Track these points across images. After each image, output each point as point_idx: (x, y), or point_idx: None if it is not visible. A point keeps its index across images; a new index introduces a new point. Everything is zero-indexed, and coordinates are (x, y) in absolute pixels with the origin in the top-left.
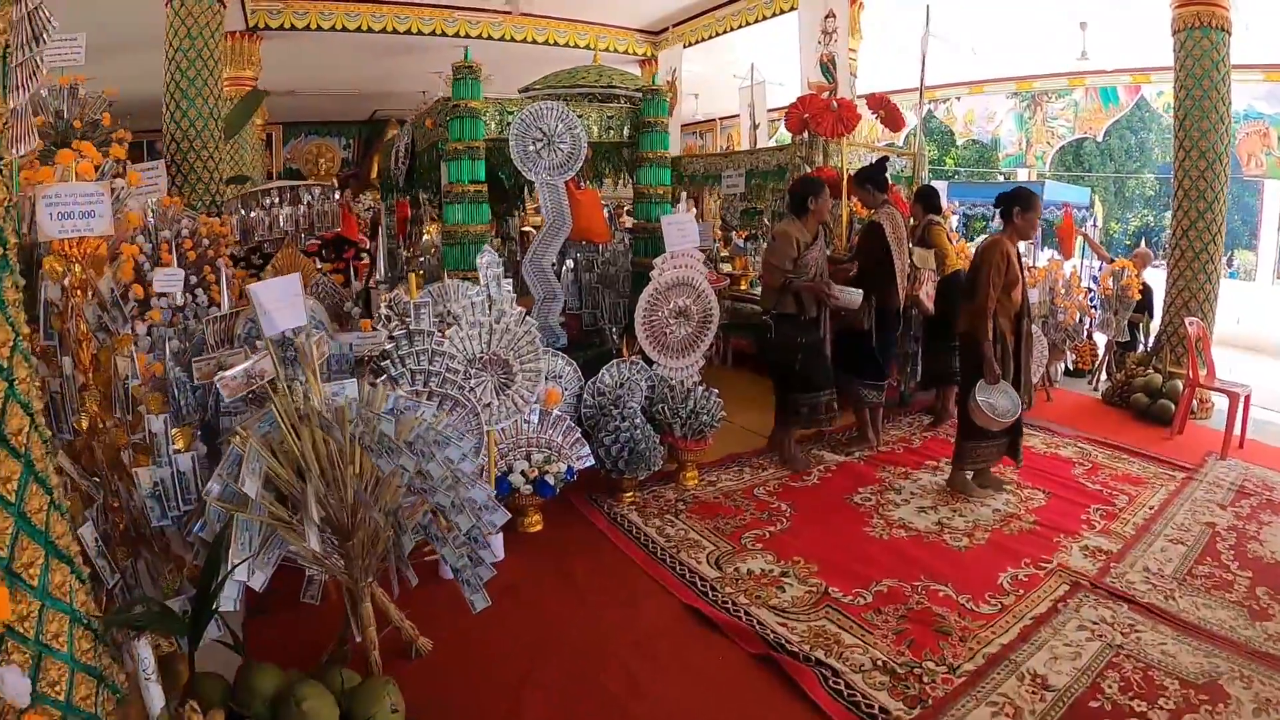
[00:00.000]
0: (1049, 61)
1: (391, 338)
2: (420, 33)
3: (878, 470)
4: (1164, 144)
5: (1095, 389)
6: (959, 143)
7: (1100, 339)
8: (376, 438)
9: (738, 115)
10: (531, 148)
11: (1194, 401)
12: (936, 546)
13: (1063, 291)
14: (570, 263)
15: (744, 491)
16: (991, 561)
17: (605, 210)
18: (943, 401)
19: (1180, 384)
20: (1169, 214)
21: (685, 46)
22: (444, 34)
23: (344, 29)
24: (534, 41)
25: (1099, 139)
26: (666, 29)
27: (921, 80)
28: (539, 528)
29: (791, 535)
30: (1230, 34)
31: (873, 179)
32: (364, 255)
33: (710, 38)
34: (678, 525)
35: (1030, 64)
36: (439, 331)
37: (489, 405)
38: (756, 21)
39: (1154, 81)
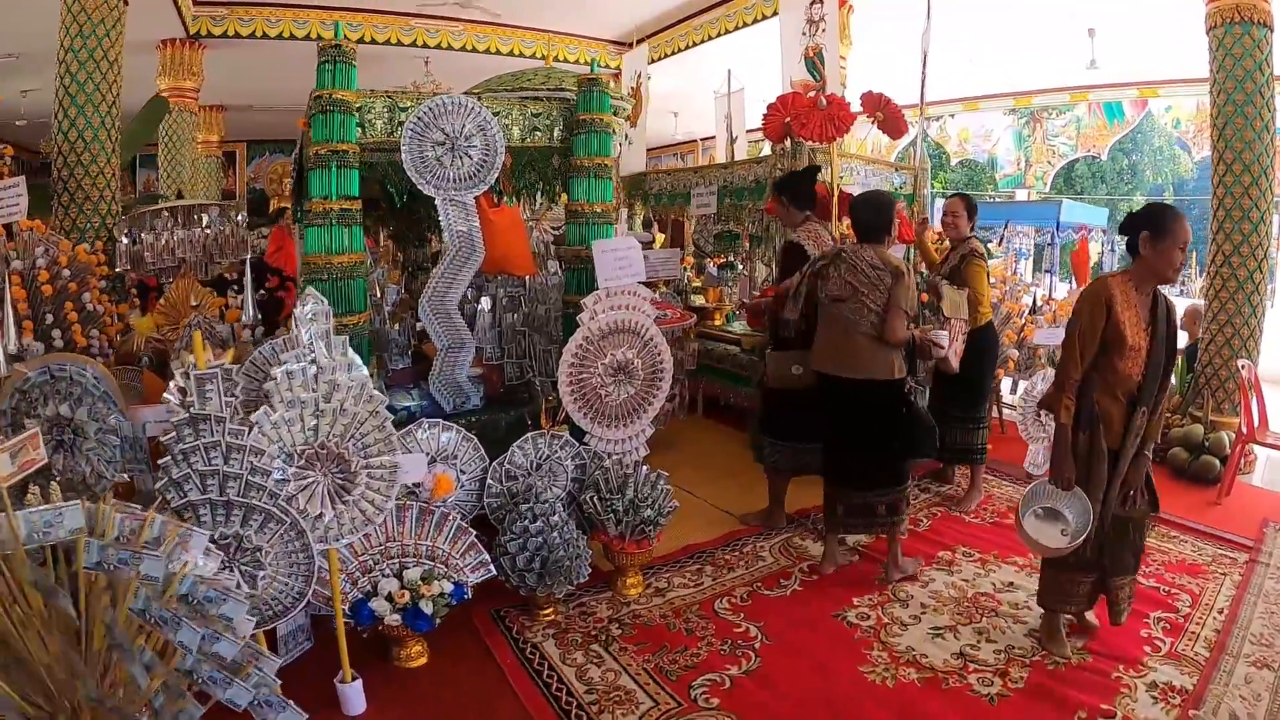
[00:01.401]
0: (1050, 75)
1: (172, 425)
2: (375, 41)
3: (877, 567)
4: (1156, 164)
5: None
6: (951, 163)
7: None
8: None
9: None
10: (431, 154)
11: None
12: (959, 696)
13: None
14: (487, 301)
15: (702, 605)
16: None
17: (532, 234)
18: (970, 480)
19: (1225, 436)
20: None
21: (661, 58)
22: (400, 43)
23: (292, 37)
24: (498, 52)
25: (1103, 157)
26: (643, 39)
27: (923, 83)
28: (421, 661)
29: (760, 682)
30: (1273, 30)
31: (790, 190)
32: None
33: (688, 48)
34: (606, 664)
35: (1030, 78)
36: (248, 414)
37: (320, 518)
38: (737, 29)
39: (1162, 95)
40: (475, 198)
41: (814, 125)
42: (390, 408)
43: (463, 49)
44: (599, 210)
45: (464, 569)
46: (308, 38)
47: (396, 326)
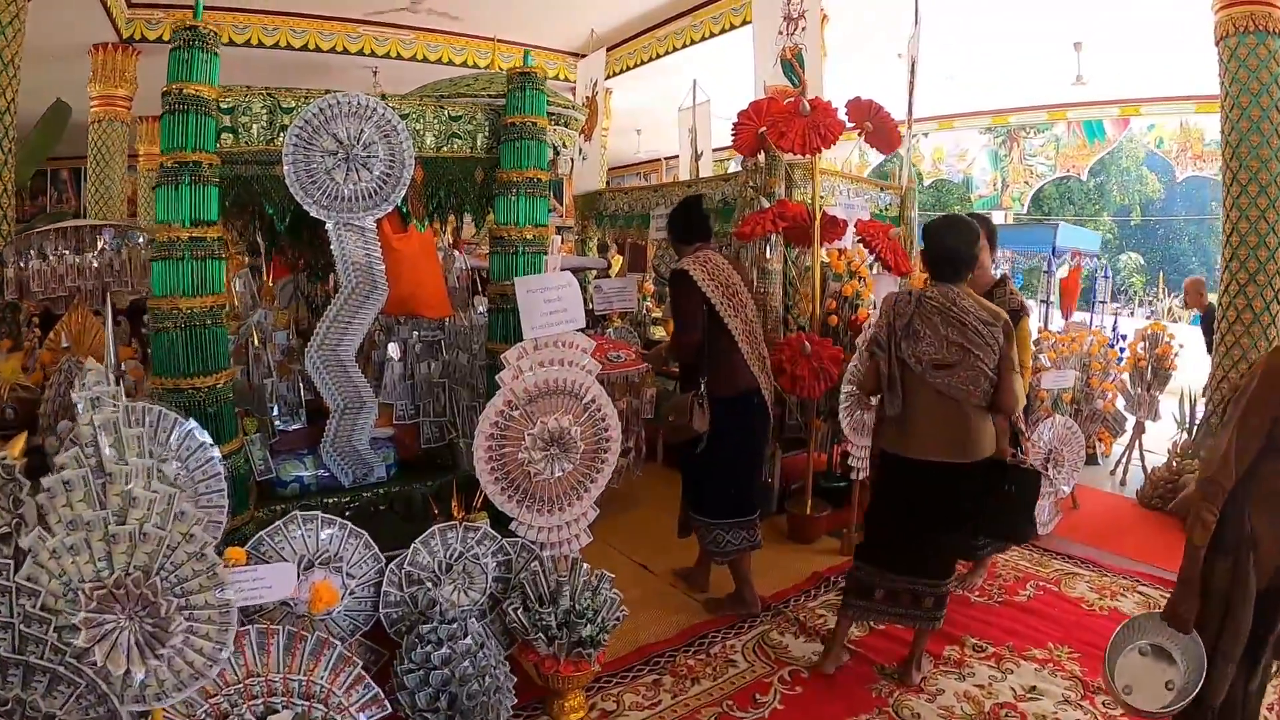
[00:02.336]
0: (1029, 93)
1: None
2: (320, 49)
3: (875, 671)
4: (1123, 185)
5: (1124, 484)
6: (923, 183)
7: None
8: None
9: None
10: (321, 166)
11: None
12: None
13: (1099, 368)
14: (396, 348)
15: None
16: None
17: (454, 265)
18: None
19: None
20: (1124, 256)
21: (623, 71)
22: (346, 51)
23: (231, 43)
24: (450, 62)
25: (1083, 177)
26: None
27: (910, 92)
28: None
29: None
30: None
31: (676, 229)
32: None
33: (651, 59)
34: None
35: (1008, 96)
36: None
37: (128, 676)
38: (704, 39)
39: (1144, 114)
40: (377, 221)
41: (795, 134)
42: (278, 481)
43: (413, 58)
44: (530, 236)
45: (350, 709)
46: (248, 44)
47: (284, 380)
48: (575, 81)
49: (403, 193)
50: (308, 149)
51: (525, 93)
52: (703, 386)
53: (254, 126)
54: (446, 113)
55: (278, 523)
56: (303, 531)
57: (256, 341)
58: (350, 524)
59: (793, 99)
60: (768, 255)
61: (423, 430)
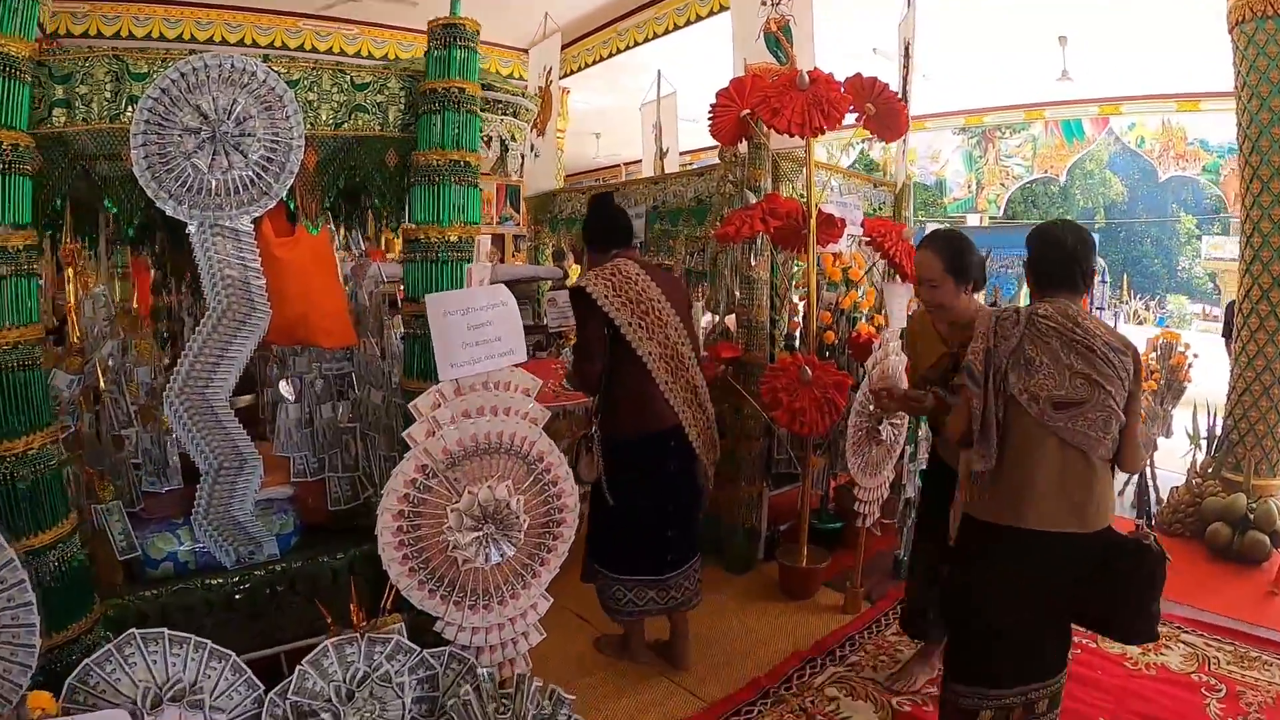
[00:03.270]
0: (1005, 92)
1: None
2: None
3: None
4: (1086, 188)
5: (1134, 506)
6: None
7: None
8: None
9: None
10: (178, 147)
11: None
12: None
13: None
14: (289, 387)
15: None
16: None
17: (368, 274)
18: None
19: (1275, 506)
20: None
21: (581, 69)
22: (255, 44)
23: (163, 37)
24: (371, 56)
25: (1061, 178)
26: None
27: (905, 80)
28: None
29: None
30: None
31: (590, 231)
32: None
33: (612, 55)
34: None
35: (983, 95)
36: None
37: None
38: (667, 32)
39: (1125, 112)
40: (254, 222)
41: (793, 111)
42: (146, 560)
43: (301, 48)
44: (456, 239)
45: None
46: (180, 39)
47: (150, 429)
48: (524, 78)
49: (289, 183)
50: (163, 126)
51: (451, 52)
52: (594, 427)
53: (96, 99)
54: (349, 79)
55: (108, 648)
56: (145, 658)
57: (104, 382)
58: (211, 644)
59: (783, 73)
60: (752, 261)
61: (330, 488)
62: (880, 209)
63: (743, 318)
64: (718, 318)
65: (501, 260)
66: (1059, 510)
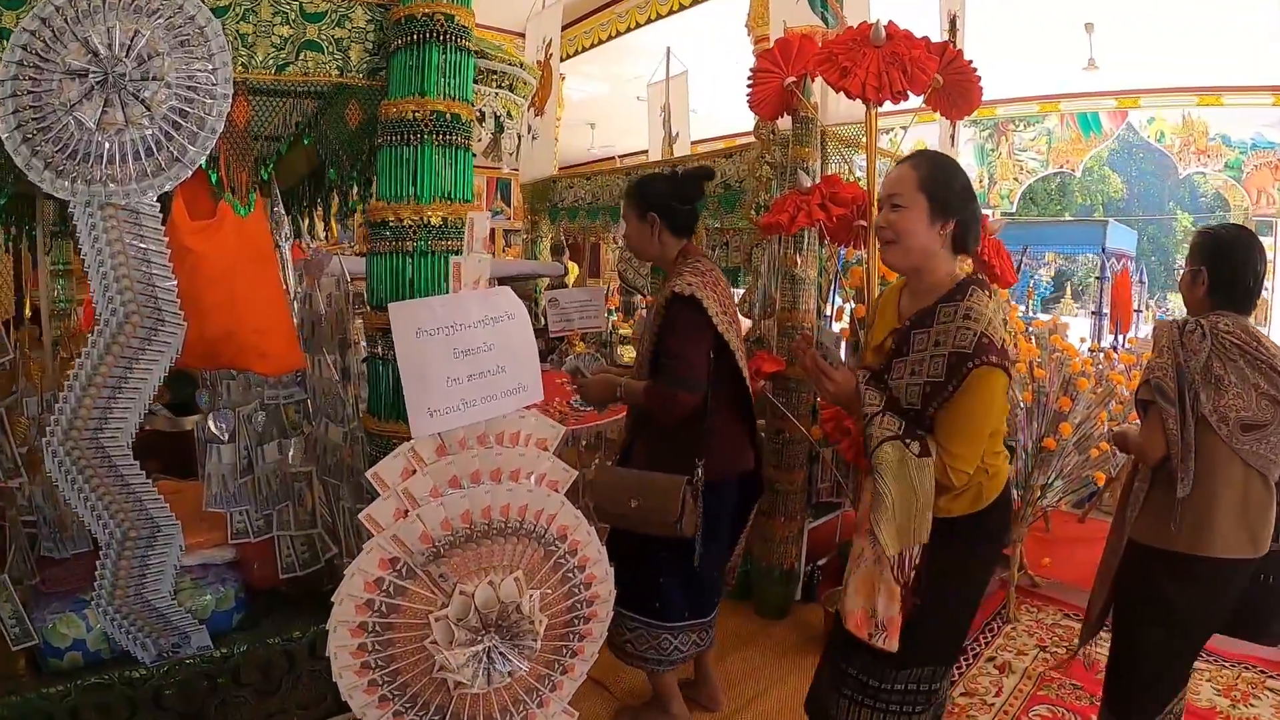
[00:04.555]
0: (1021, 83)
1: None
2: None
3: None
4: (1085, 185)
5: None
6: None
7: None
8: None
9: (647, 151)
10: (58, 98)
11: None
12: None
13: None
14: (221, 423)
15: None
16: None
17: (328, 267)
18: None
19: None
20: (1080, 256)
21: (577, 53)
22: None
23: None
24: None
25: (1076, 173)
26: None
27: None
28: None
29: None
30: None
31: (668, 199)
32: None
33: (611, 38)
34: None
35: (995, 86)
36: None
37: None
38: (671, 12)
39: (1144, 106)
40: (160, 200)
41: (866, 72)
42: (46, 648)
43: None
44: (436, 222)
45: None
46: None
47: (41, 482)
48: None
49: (210, 146)
50: (40, 70)
51: None
52: (699, 470)
53: None
54: (298, 7)
55: None
56: None
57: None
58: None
59: (849, 29)
60: (798, 257)
61: (281, 550)
62: None
63: (785, 324)
64: (757, 311)
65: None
66: (1239, 537)
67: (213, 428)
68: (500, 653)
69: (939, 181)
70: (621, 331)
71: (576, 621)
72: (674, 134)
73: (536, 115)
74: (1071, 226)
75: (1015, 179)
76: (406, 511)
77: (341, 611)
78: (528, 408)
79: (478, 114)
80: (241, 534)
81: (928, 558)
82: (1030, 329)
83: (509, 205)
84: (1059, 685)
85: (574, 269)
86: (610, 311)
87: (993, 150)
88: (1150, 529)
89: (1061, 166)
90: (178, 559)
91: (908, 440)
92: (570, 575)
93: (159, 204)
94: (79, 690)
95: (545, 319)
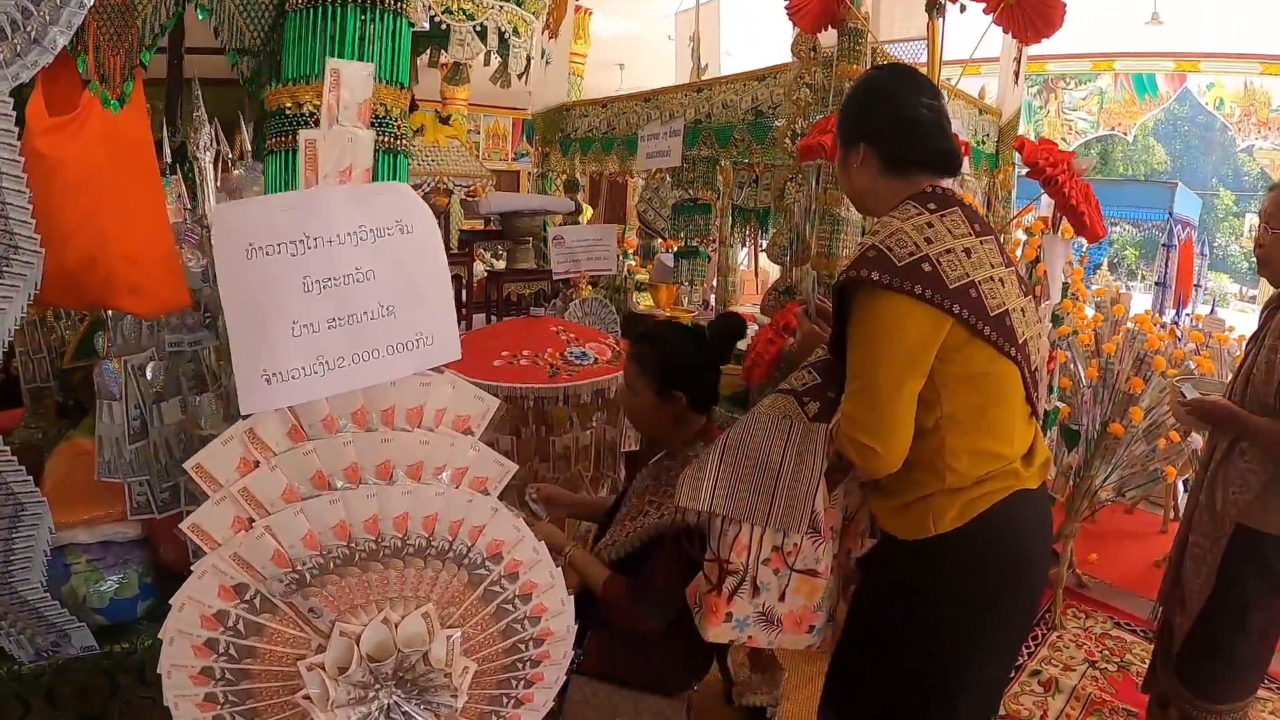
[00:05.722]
0: (1073, 38)
1: None
2: None
3: None
4: (1128, 154)
5: None
6: None
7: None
8: None
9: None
10: None
11: None
12: None
13: None
14: (111, 374)
15: None
16: None
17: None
18: None
19: None
20: (1116, 228)
21: None
22: None
23: None
24: None
25: (1128, 137)
26: None
27: None
28: None
29: None
30: None
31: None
32: None
33: None
34: None
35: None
36: None
37: None
38: None
39: (1204, 70)
40: (18, 94)
41: None
42: None
43: None
44: (391, 114)
45: None
46: None
47: None
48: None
49: (76, 24)
50: None
51: None
52: None
53: None
54: None
55: None
56: None
57: None
58: None
59: None
60: (840, 194)
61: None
62: (983, 143)
63: (821, 272)
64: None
65: None
66: None
67: (102, 380)
68: (404, 713)
69: (840, 120)
70: (638, 278)
71: (520, 665)
72: (703, 65)
73: (551, 38)
74: (1137, 187)
75: (1064, 139)
76: (251, 521)
77: (175, 653)
78: (439, 369)
79: (477, 29)
80: (143, 508)
81: (864, 581)
82: (1092, 297)
83: (531, 144)
84: (1110, 710)
85: (588, 212)
86: (625, 254)
87: (1040, 108)
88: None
89: (1114, 129)
90: (48, 542)
91: (805, 399)
92: (509, 607)
93: (11, 100)
94: None
95: (549, 258)
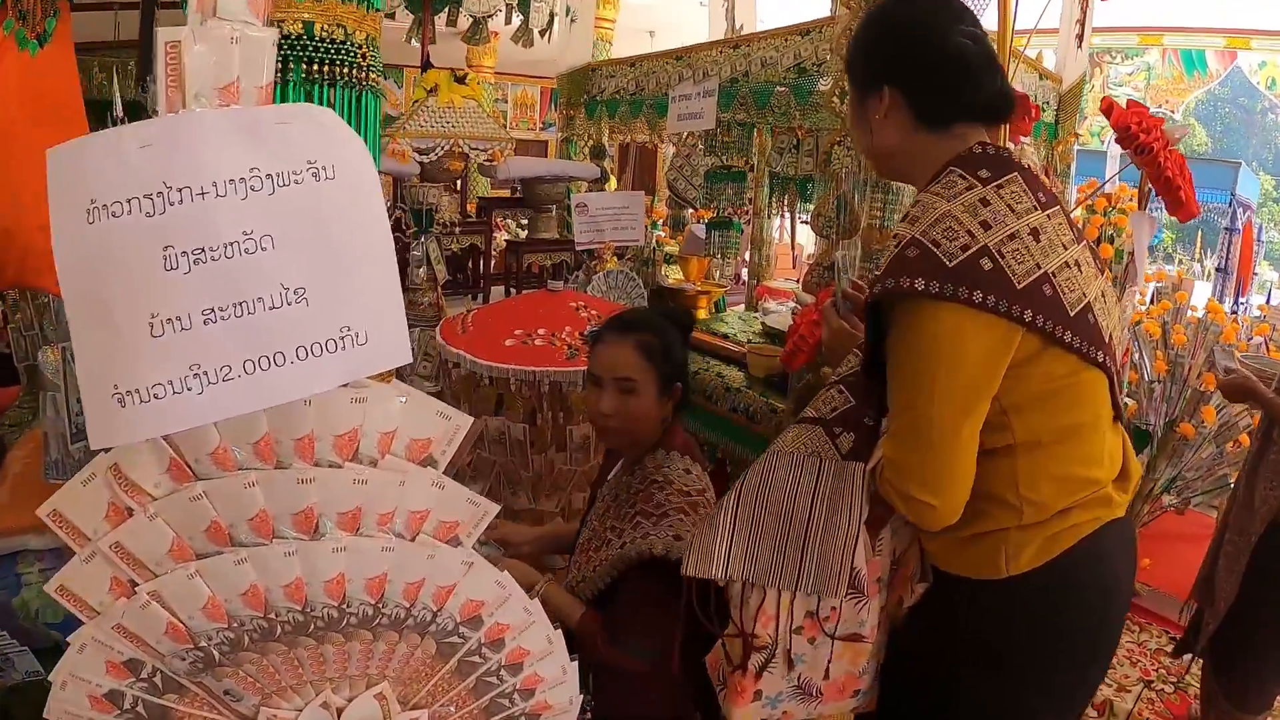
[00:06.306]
0: (1120, 11)
1: None
2: None
3: None
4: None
5: None
6: None
7: None
8: None
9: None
10: None
11: None
12: None
13: None
14: (49, 356)
15: None
16: None
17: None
18: None
19: None
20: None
21: None
22: None
23: None
24: None
25: (1176, 115)
26: None
27: None
28: None
29: None
30: None
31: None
32: None
33: None
34: None
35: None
36: None
37: None
38: None
39: (1255, 48)
40: None
41: None
42: None
43: None
44: (298, 31)
45: None
46: None
47: None
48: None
49: None
50: None
51: None
52: None
53: None
54: None
55: None
56: None
57: None
58: None
59: None
60: None
61: None
62: (1043, 111)
63: (872, 247)
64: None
65: None
66: None
67: (44, 365)
68: None
69: (852, 60)
70: (667, 249)
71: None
72: (739, 28)
73: None
74: (1198, 165)
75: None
76: (133, 585)
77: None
78: (380, 378)
79: None
80: None
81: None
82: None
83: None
84: None
85: (613, 183)
86: (654, 225)
87: (1086, 83)
88: None
89: (1161, 106)
90: None
91: (836, 429)
92: (492, 680)
93: None
94: None
95: (573, 227)
